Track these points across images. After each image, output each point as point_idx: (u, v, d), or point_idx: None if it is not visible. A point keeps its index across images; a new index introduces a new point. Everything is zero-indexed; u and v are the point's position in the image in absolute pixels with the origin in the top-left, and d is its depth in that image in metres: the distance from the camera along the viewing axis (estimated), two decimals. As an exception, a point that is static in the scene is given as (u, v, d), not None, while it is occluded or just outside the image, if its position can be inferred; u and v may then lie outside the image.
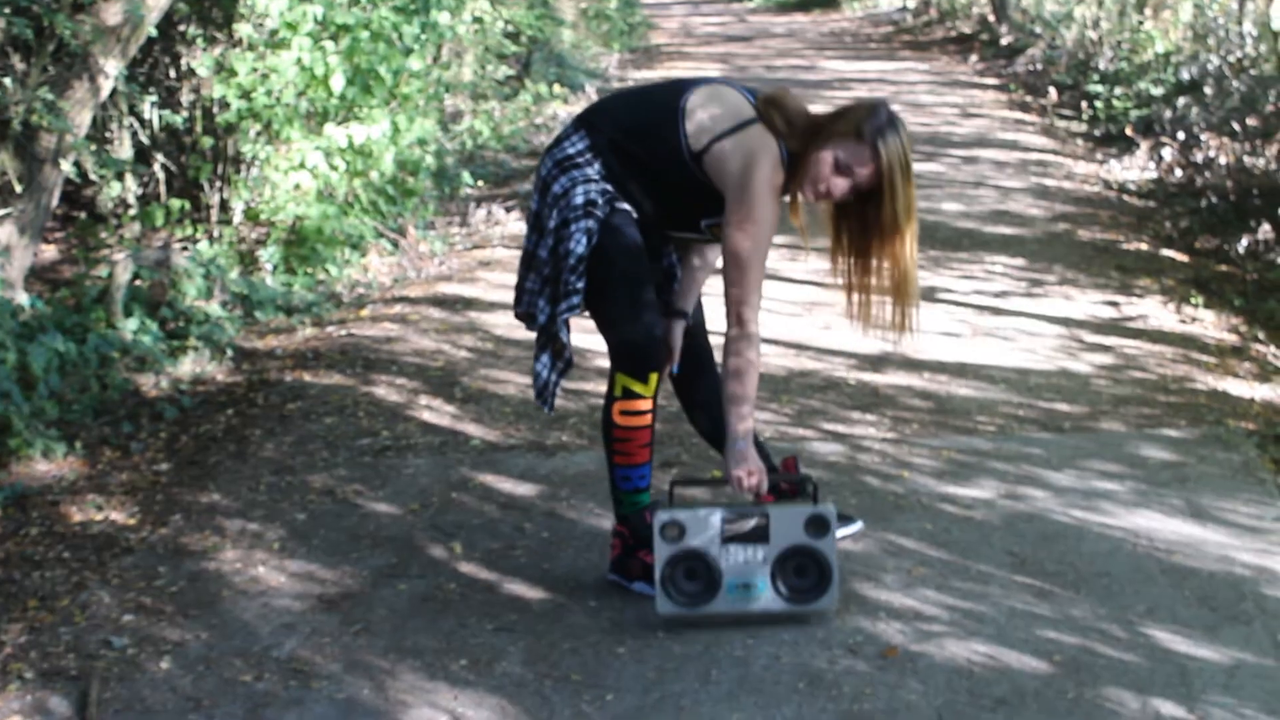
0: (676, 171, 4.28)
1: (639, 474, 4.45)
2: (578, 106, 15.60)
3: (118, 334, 6.77)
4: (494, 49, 14.33)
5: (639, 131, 4.35)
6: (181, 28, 8.77)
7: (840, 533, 4.73)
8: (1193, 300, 7.69)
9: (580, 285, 4.28)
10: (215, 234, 8.57)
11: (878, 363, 6.71)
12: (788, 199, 4.28)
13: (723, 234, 4.22)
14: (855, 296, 4.49)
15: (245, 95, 8.40)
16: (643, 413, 4.37)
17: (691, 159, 4.24)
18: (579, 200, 4.28)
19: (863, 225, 4.35)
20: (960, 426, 5.89)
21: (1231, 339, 7.14)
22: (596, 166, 4.32)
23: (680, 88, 4.35)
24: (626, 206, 4.36)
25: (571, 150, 4.35)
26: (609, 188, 4.31)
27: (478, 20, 13.12)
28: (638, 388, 4.34)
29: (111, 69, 7.33)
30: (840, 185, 4.21)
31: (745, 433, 4.24)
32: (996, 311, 7.58)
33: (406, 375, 6.74)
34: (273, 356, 7.13)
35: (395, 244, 9.08)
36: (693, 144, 4.24)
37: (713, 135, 4.22)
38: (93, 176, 8.36)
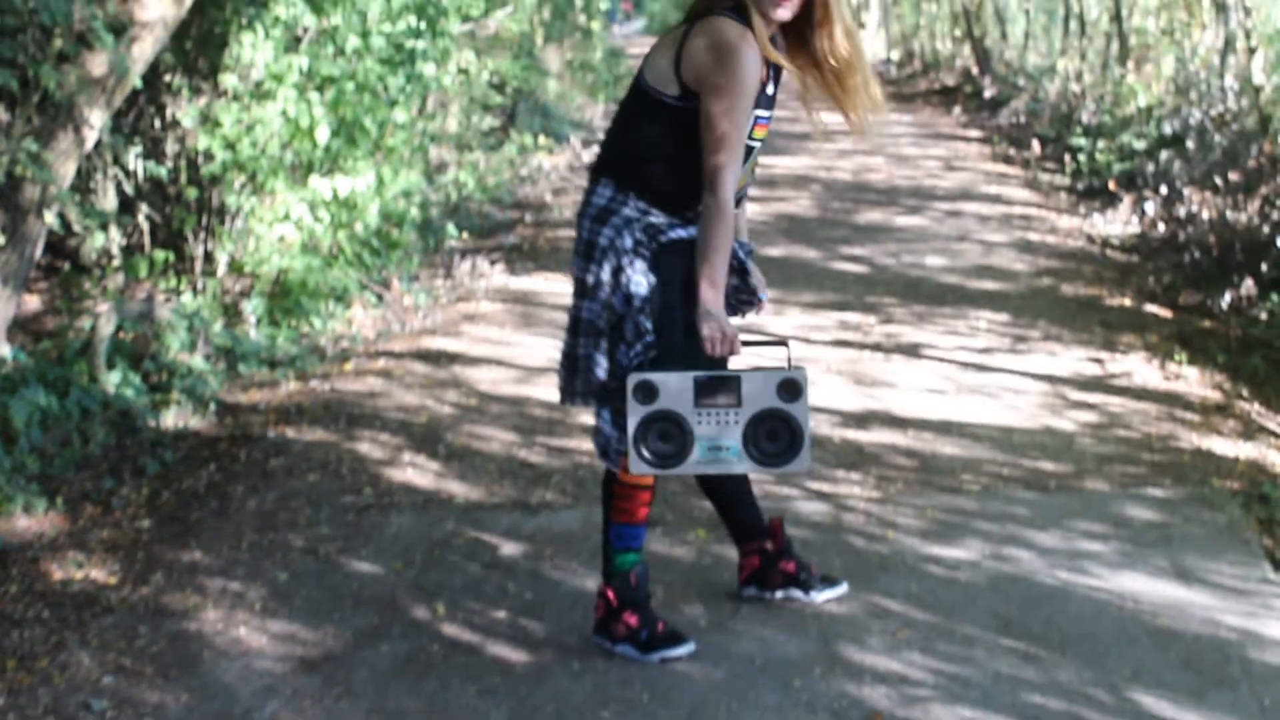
0: (676, 132, 4.22)
1: (633, 533, 4.45)
2: (563, 158, 15.65)
3: (100, 387, 6.75)
4: (479, 100, 14.36)
5: (629, 131, 4.32)
6: (167, 78, 8.76)
7: (823, 595, 4.73)
8: (1176, 357, 7.70)
9: (649, 326, 4.21)
10: (199, 286, 8.55)
11: (863, 420, 6.71)
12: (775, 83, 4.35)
13: (701, 105, 4.14)
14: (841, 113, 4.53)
15: (230, 146, 8.39)
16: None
17: (676, 98, 4.19)
18: (628, 244, 4.23)
19: (815, 62, 4.40)
20: (945, 485, 5.88)
21: (1215, 396, 7.14)
22: (631, 203, 4.28)
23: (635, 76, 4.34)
24: (675, 234, 4.29)
25: (602, 201, 4.29)
26: (652, 220, 4.27)
27: (463, 71, 13.14)
28: None
29: (96, 120, 7.32)
30: None
31: (715, 297, 4.17)
32: (981, 368, 7.58)
33: (390, 431, 6.72)
34: (256, 410, 7.11)
35: (379, 297, 9.06)
36: (664, 87, 4.19)
37: (670, 58, 4.20)
38: (77, 228, 8.35)
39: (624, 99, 4.38)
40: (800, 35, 4.35)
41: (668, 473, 4.20)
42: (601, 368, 4.31)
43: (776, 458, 4.19)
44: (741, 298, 4.53)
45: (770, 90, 4.37)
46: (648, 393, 4.13)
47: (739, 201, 4.43)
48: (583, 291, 4.34)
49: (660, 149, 4.27)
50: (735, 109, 4.13)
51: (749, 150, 4.31)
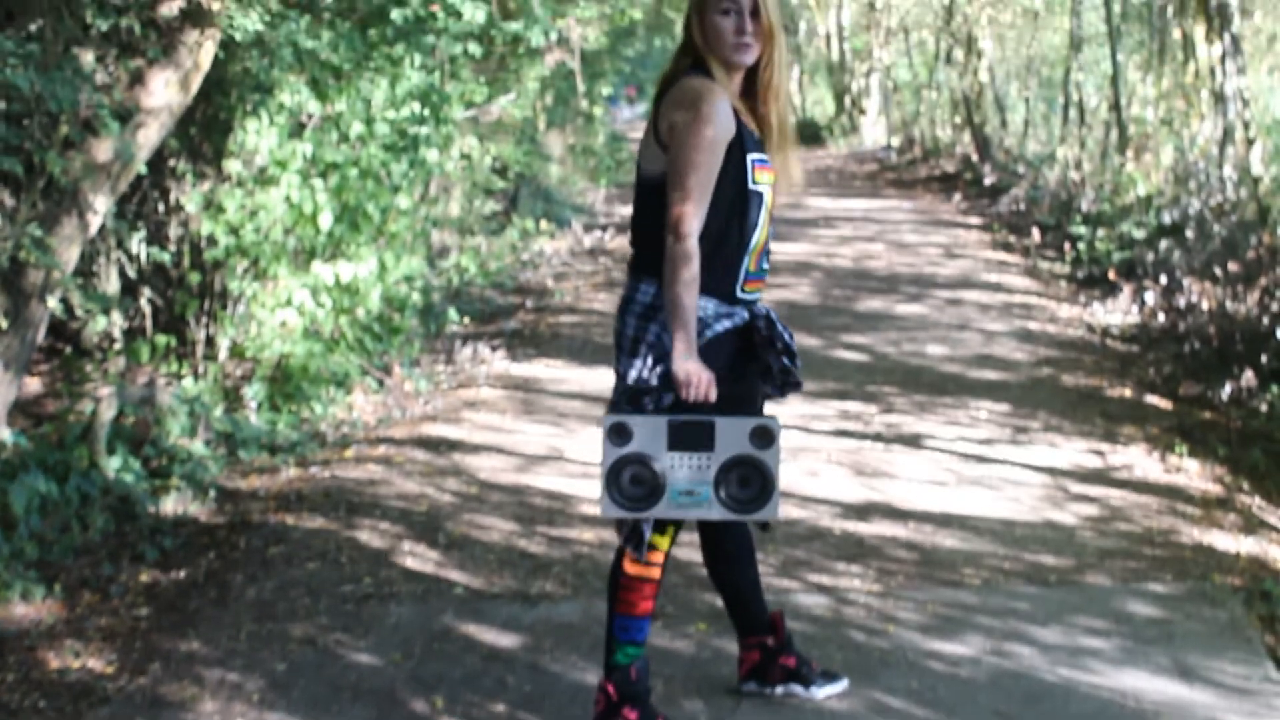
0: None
1: (638, 626, 4.41)
2: (565, 243, 15.72)
3: (100, 472, 6.75)
4: (482, 184, 14.44)
5: (647, 224, 4.28)
6: (171, 163, 8.81)
7: (823, 691, 4.70)
8: (1177, 450, 7.69)
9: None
10: (200, 370, 8.56)
11: (863, 511, 6.70)
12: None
13: (669, 155, 4.14)
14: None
15: (233, 232, 8.43)
16: (655, 564, 4.35)
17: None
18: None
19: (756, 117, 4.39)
20: (946, 579, 5.86)
21: (1216, 489, 7.13)
22: None
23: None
24: (721, 328, 4.27)
25: (647, 299, 4.24)
26: (699, 314, 4.20)
27: (466, 157, 13.22)
28: (656, 538, 4.31)
29: (101, 205, 7.36)
30: (741, 24, 4.23)
31: (684, 340, 4.11)
32: (981, 459, 7.57)
33: (390, 519, 6.70)
34: (256, 497, 7.10)
35: (381, 382, 9.07)
36: (658, 167, 4.20)
37: (651, 137, 4.24)
38: (79, 311, 8.37)
39: (635, 192, 4.37)
40: (749, 91, 4.38)
41: (639, 516, 4.17)
42: None
43: (747, 504, 4.18)
44: (789, 379, 4.48)
45: (757, 134, 4.35)
46: (621, 434, 4.13)
47: (766, 256, 4.44)
48: (617, 384, 4.34)
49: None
50: (700, 154, 4.13)
51: (759, 198, 4.31)
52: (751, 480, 4.17)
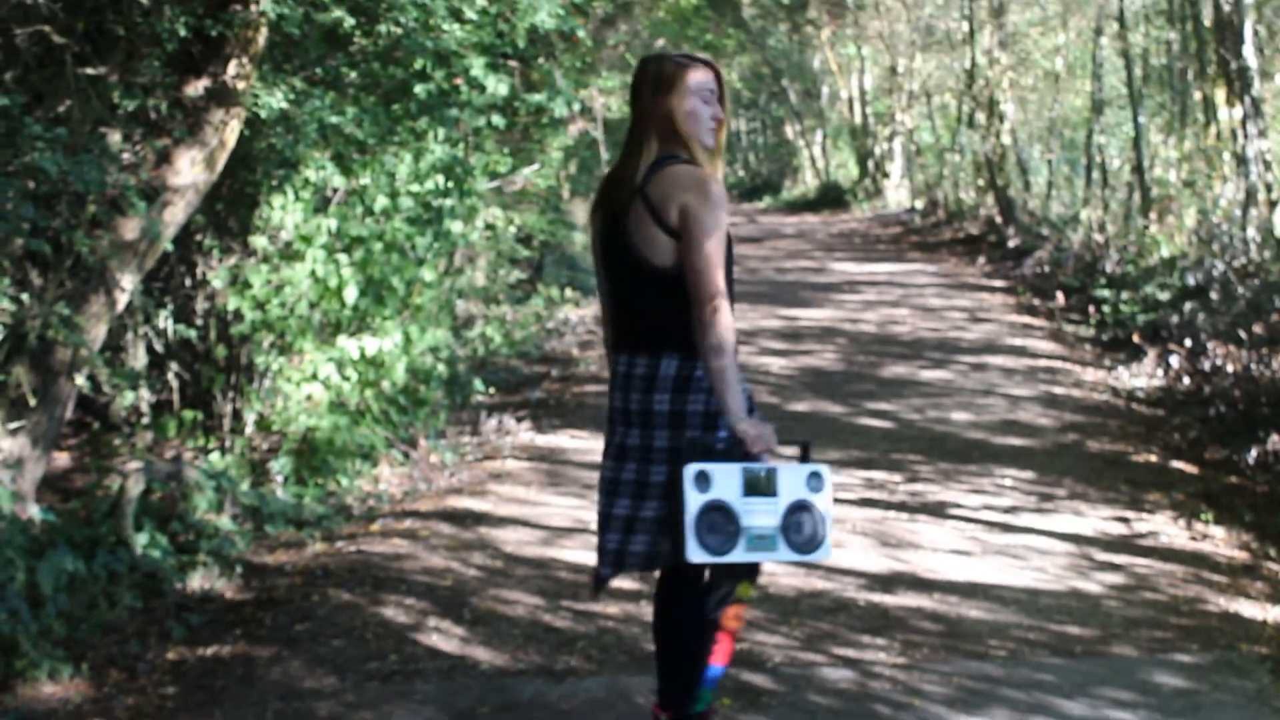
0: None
1: (722, 672, 4.50)
2: (590, 310, 15.76)
3: (128, 549, 6.77)
4: (506, 254, 14.51)
5: (655, 308, 4.41)
6: (198, 238, 8.89)
7: None
8: (1203, 516, 7.68)
9: None
10: (227, 444, 8.61)
11: (888, 583, 6.69)
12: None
13: (693, 243, 4.29)
14: None
15: (259, 306, 8.50)
16: (742, 616, 4.51)
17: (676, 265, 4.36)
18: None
19: None
20: (971, 651, 5.84)
21: (1243, 556, 7.11)
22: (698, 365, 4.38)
23: None
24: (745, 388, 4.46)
25: (672, 370, 4.39)
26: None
27: (490, 227, 13.30)
28: (748, 591, 4.47)
29: (128, 283, 7.44)
30: (714, 110, 4.48)
31: (741, 403, 4.33)
32: (1007, 528, 7.56)
33: (416, 595, 6.71)
34: (282, 573, 7.13)
35: (406, 455, 9.11)
36: (666, 259, 4.35)
37: (654, 229, 4.36)
38: (106, 387, 8.43)
39: (636, 283, 4.46)
40: None
41: (721, 560, 4.29)
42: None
43: (805, 547, 4.37)
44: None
45: None
46: (703, 481, 4.26)
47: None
48: (646, 457, 4.45)
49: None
50: (720, 233, 4.33)
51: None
52: (804, 525, 4.36)
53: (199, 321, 8.91)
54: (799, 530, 4.34)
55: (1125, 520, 7.68)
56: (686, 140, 4.42)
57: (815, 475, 4.39)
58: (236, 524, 7.56)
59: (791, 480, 4.35)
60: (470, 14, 8.66)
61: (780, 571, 6.73)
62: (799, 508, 4.34)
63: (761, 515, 4.31)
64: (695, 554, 4.25)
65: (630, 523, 4.47)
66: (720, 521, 4.26)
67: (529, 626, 6.26)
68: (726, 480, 4.28)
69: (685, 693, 4.53)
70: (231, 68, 7.61)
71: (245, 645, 6.16)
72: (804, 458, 4.54)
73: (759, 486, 4.32)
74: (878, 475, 8.65)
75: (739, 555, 4.29)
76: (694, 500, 4.25)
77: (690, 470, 4.25)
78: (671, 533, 4.35)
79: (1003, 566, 6.93)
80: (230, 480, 7.80)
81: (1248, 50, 13.52)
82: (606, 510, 4.53)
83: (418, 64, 8.87)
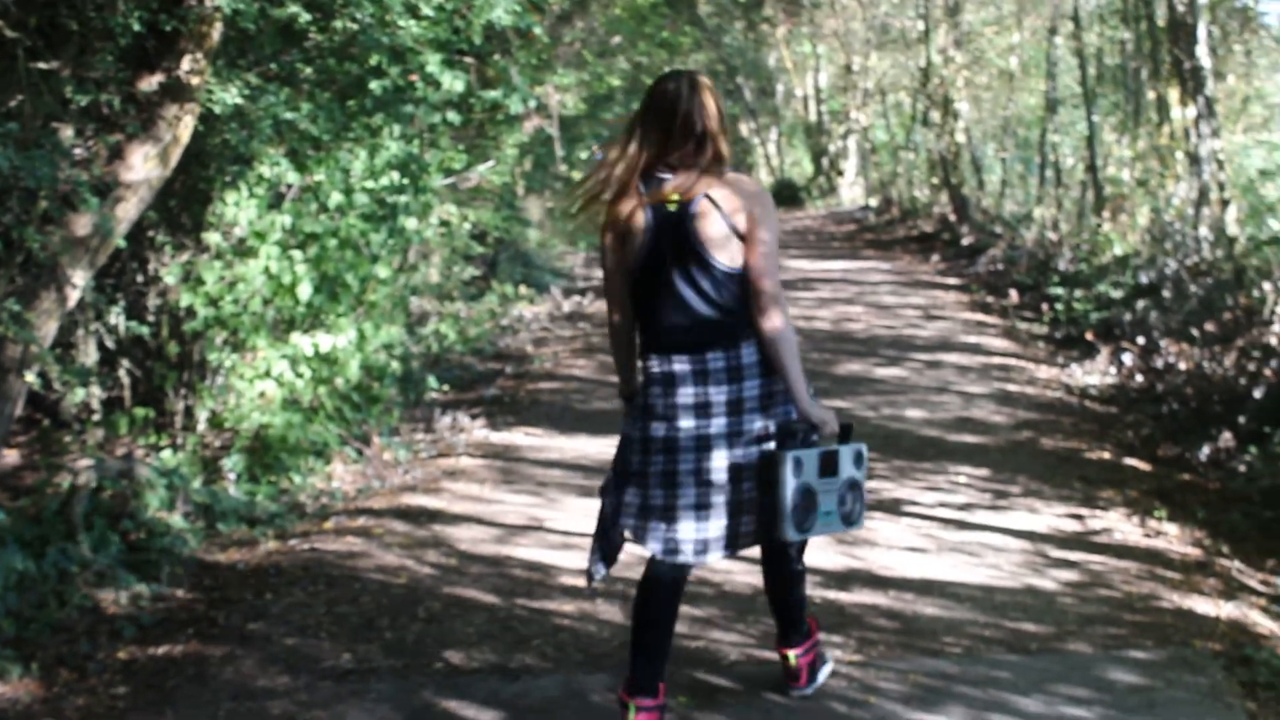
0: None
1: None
2: (544, 308, 15.73)
3: (78, 548, 6.71)
4: (460, 250, 14.46)
5: (725, 302, 4.74)
6: (150, 235, 8.82)
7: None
8: (1156, 514, 7.71)
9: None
10: (179, 441, 8.55)
11: (844, 580, 6.68)
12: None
13: (762, 241, 4.70)
14: None
15: (213, 303, 8.44)
16: None
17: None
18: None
19: None
20: (926, 648, 5.84)
21: (1195, 553, 7.14)
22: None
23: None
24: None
25: (755, 358, 4.77)
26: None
27: (444, 224, 13.25)
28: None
29: (79, 279, 7.37)
30: None
31: (806, 389, 4.81)
32: (962, 525, 7.57)
33: (370, 593, 6.67)
34: (235, 571, 7.07)
35: (360, 452, 9.06)
36: (735, 261, 4.71)
37: (728, 232, 4.70)
38: (57, 384, 8.35)
39: (707, 281, 4.72)
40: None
41: (808, 536, 4.90)
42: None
43: (850, 520, 4.96)
44: None
45: None
46: (799, 467, 4.74)
47: None
48: (742, 442, 4.80)
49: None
50: (777, 242, 4.79)
51: None
52: (850, 499, 4.93)
53: (151, 318, 8.84)
54: (845, 504, 4.90)
55: (1079, 517, 7.70)
56: (720, 148, 4.76)
57: (859, 455, 4.96)
58: (188, 522, 7.50)
59: (846, 459, 4.89)
60: (427, 10, 8.62)
61: (736, 569, 6.73)
62: (852, 485, 4.92)
63: (829, 494, 4.84)
64: (791, 534, 4.77)
65: (737, 506, 4.82)
66: (808, 503, 4.79)
67: (484, 625, 6.23)
68: (810, 464, 4.77)
69: (795, 626, 5.25)
70: (186, 63, 7.55)
71: (197, 644, 6.11)
72: (845, 438, 4.98)
73: (829, 467, 4.84)
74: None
75: (815, 532, 4.86)
76: (791, 485, 4.71)
77: (789, 457, 4.69)
78: (766, 513, 4.77)
79: (958, 563, 6.94)
80: (182, 478, 7.74)
81: (1201, 50, 13.59)
82: (696, 501, 4.81)
83: (373, 60, 8.82)
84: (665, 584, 4.90)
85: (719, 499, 4.79)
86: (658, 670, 4.87)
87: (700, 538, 4.80)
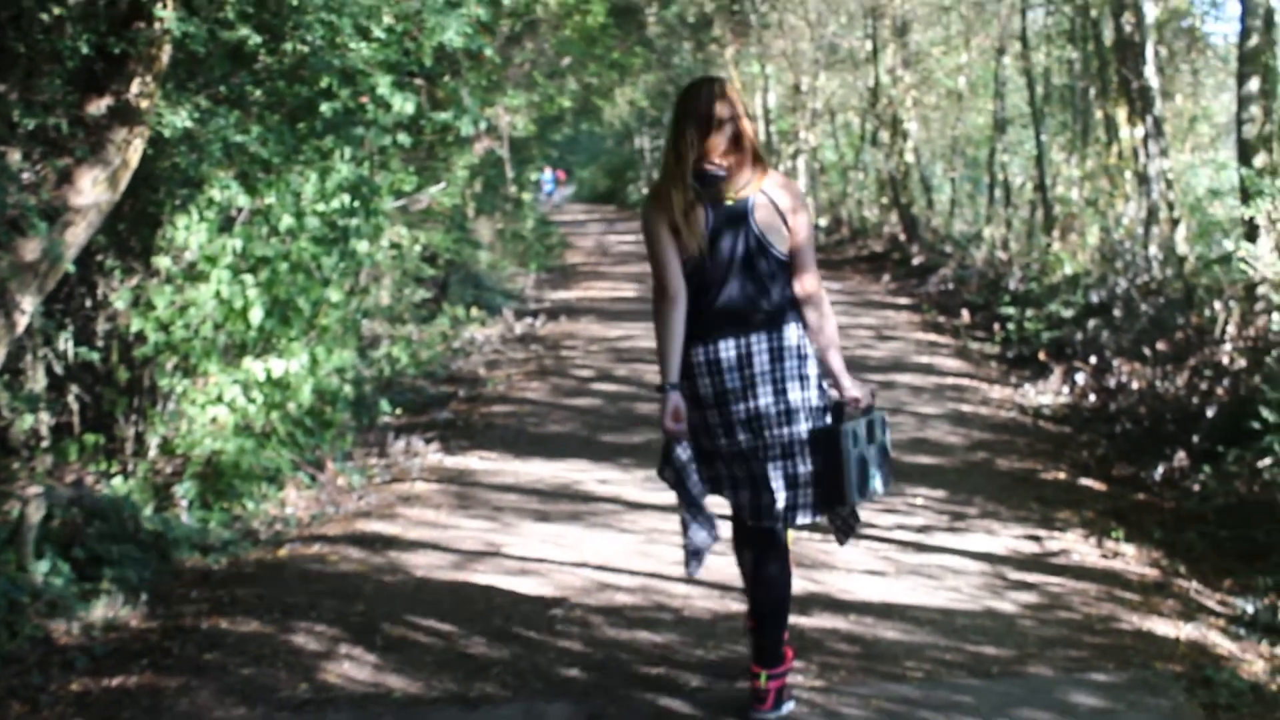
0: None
1: None
2: (496, 329, 15.67)
3: (28, 577, 6.62)
4: (411, 273, 14.39)
5: (776, 285, 5.21)
6: (99, 259, 8.72)
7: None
8: (1114, 534, 7.71)
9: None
10: (129, 468, 8.45)
11: (804, 604, 6.62)
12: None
13: (807, 237, 5.23)
14: None
15: (163, 328, 8.35)
16: None
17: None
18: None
19: None
20: (888, 673, 5.80)
21: (1154, 574, 7.14)
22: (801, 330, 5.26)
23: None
24: None
25: (804, 340, 5.23)
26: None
27: (395, 246, 13.18)
28: None
29: (28, 305, 7.27)
30: None
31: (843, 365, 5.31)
32: (920, 547, 7.56)
33: (326, 621, 6.59)
34: (188, 600, 6.98)
35: (313, 477, 8.98)
36: (784, 246, 5.19)
37: (780, 221, 5.18)
38: (4, 411, 8.24)
39: (760, 267, 5.16)
40: None
41: (863, 501, 5.31)
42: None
43: (886, 483, 5.36)
44: None
45: None
46: (855, 438, 5.15)
47: None
48: (791, 419, 5.17)
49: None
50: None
51: None
52: (884, 463, 5.34)
53: (100, 343, 8.74)
54: (883, 468, 5.30)
55: (1037, 539, 7.70)
56: (755, 144, 5.25)
57: (885, 422, 5.36)
58: (141, 550, 7.41)
59: (879, 426, 5.30)
60: (378, 32, 8.58)
61: (694, 594, 6.70)
62: (883, 451, 5.31)
63: (874, 461, 5.24)
64: (856, 499, 5.20)
65: (793, 479, 5.20)
66: (862, 470, 5.18)
67: (442, 653, 6.16)
68: (861, 434, 5.18)
69: (774, 646, 5.34)
70: (135, 86, 7.48)
71: (152, 675, 6.02)
72: (869, 408, 5.33)
73: (873, 435, 5.25)
74: (790, 495, 8.60)
75: (868, 496, 5.26)
76: (852, 455, 5.12)
77: (848, 428, 5.13)
78: (825, 483, 5.18)
79: (917, 586, 6.92)
80: (134, 505, 7.65)
81: (1149, 70, 13.66)
82: (756, 471, 5.20)
83: (324, 82, 8.77)
84: (759, 545, 5.38)
85: (777, 470, 5.18)
86: (779, 638, 5.35)
87: (781, 505, 5.21)
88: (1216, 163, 15.73)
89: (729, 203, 5.13)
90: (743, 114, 5.21)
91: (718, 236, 5.13)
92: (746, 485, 5.25)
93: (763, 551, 5.36)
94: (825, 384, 5.28)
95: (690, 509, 5.28)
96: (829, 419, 5.24)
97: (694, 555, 5.35)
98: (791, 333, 5.18)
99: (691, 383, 5.18)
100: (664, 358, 5.17)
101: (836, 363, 5.25)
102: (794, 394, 5.15)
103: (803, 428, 5.16)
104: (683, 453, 5.20)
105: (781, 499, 5.20)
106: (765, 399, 5.13)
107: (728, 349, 5.14)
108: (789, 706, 5.36)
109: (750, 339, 5.14)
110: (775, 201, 5.15)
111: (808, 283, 5.21)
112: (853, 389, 5.27)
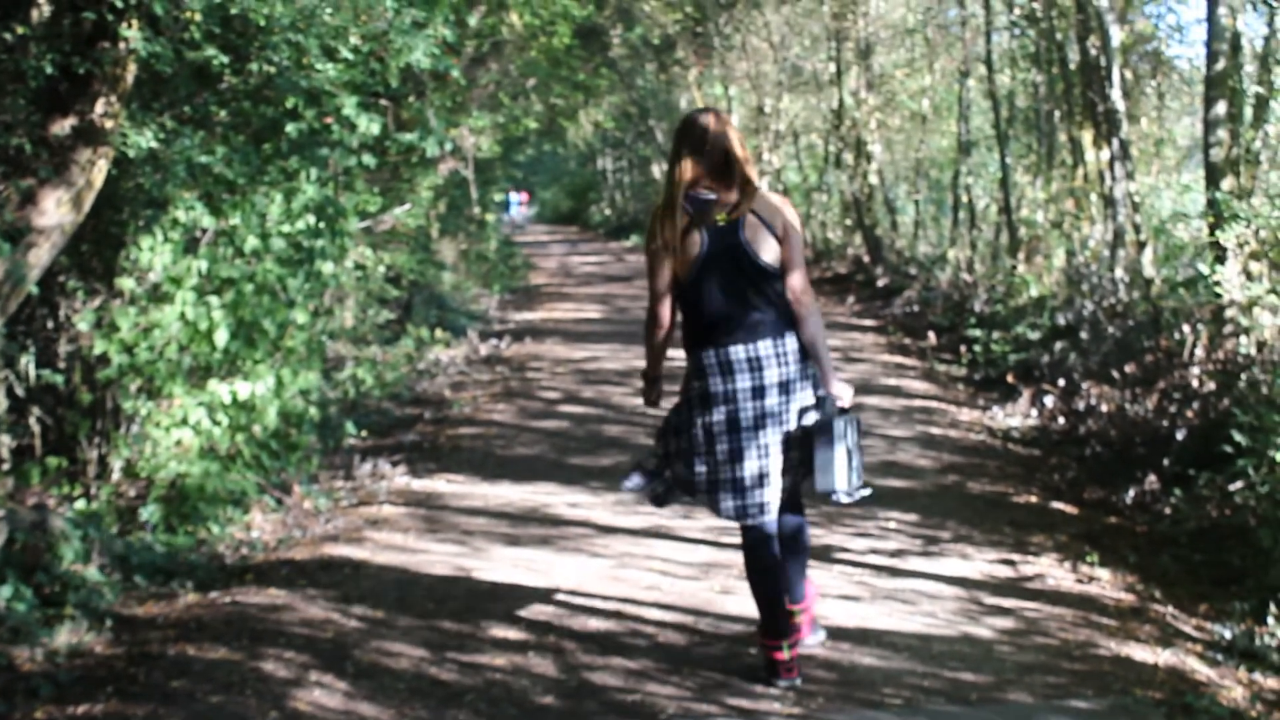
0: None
1: None
2: (460, 351, 15.58)
3: (-10, 603, 6.50)
4: (376, 294, 14.30)
5: (769, 299, 5.72)
6: (61, 279, 8.62)
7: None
8: (1088, 558, 7.67)
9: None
10: (93, 491, 8.33)
11: (779, 629, 6.57)
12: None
13: (796, 246, 5.75)
14: None
15: (127, 350, 8.25)
16: None
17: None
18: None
19: None
20: (866, 700, 5.74)
21: (1129, 599, 7.11)
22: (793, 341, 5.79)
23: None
24: None
25: (797, 345, 5.76)
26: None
27: (360, 267, 13.09)
28: None
29: (-10, 327, 7.17)
30: None
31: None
32: (894, 572, 7.50)
33: (295, 648, 6.46)
34: (154, 625, 6.86)
35: (279, 501, 8.87)
36: (775, 260, 5.70)
37: (771, 239, 5.70)
38: (-35, 433, 8.13)
39: (750, 278, 5.69)
40: None
41: (853, 497, 5.86)
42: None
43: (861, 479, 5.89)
44: None
45: None
46: (846, 433, 5.74)
47: None
48: (785, 418, 5.77)
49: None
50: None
51: None
52: (859, 457, 5.88)
53: (62, 365, 8.62)
54: (860, 467, 5.87)
55: (1011, 563, 7.66)
56: (747, 170, 5.73)
57: (859, 424, 5.91)
58: (105, 575, 7.30)
59: (855, 428, 5.85)
60: (345, 52, 8.50)
61: (669, 620, 6.63)
62: (859, 450, 5.88)
63: (856, 455, 5.81)
64: (845, 486, 5.74)
65: (786, 473, 5.83)
66: (849, 463, 5.73)
67: (414, 680, 6.06)
68: (851, 430, 5.77)
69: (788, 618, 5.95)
70: (99, 106, 7.39)
71: (118, 703, 5.90)
72: (845, 410, 5.84)
73: (858, 432, 5.87)
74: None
75: (854, 490, 5.81)
76: (845, 446, 5.68)
77: (841, 423, 5.66)
78: (820, 471, 5.71)
79: (893, 612, 6.86)
80: (97, 529, 7.54)
81: (1115, 93, 13.66)
82: (761, 470, 5.76)
83: (289, 102, 8.70)
84: (758, 538, 5.91)
85: (775, 467, 5.76)
86: (786, 609, 5.93)
87: (762, 501, 5.78)
88: (1180, 185, 15.74)
89: (721, 224, 5.68)
90: (735, 142, 5.73)
91: (715, 256, 5.70)
92: (729, 487, 5.79)
93: (756, 544, 5.93)
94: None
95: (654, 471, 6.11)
96: (818, 414, 5.77)
97: (632, 484, 6.15)
98: (792, 339, 5.73)
99: (703, 382, 5.78)
100: (650, 360, 6.10)
101: (824, 360, 5.81)
102: (796, 395, 5.75)
103: (794, 426, 5.76)
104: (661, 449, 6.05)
105: (766, 496, 5.80)
106: (772, 399, 5.71)
107: (737, 352, 5.70)
108: (821, 635, 6.40)
109: (758, 344, 5.69)
110: (764, 218, 5.68)
111: (795, 284, 5.71)
112: (838, 387, 5.83)
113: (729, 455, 5.75)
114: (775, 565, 5.91)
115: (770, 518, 5.85)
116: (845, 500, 5.83)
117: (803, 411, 5.76)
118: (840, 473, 5.68)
